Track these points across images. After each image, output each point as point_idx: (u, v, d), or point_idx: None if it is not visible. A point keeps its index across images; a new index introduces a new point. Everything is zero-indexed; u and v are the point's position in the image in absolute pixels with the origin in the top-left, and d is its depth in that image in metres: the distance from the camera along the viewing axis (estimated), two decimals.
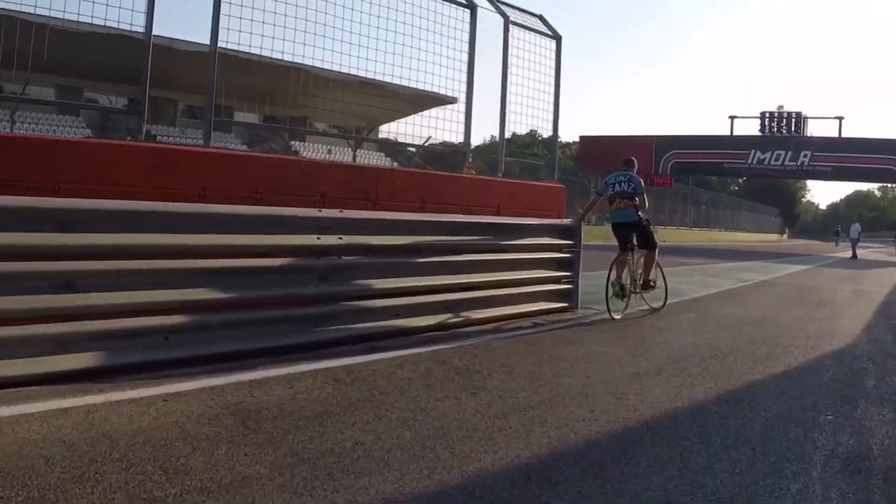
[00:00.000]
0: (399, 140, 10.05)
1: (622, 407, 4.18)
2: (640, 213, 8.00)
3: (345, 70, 7.37)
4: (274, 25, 6.59)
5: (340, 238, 5.63)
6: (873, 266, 24.30)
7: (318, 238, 5.53)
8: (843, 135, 42.36)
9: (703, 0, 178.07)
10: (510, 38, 8.52)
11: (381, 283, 5.94)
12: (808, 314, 9.27)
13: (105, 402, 3.74)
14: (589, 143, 48.20)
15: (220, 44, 6.28)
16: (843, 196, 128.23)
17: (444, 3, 7.83)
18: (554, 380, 4.79)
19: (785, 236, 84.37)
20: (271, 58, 6.94)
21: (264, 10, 6.51)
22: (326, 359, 4.96)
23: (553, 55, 9.24)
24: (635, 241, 8.09)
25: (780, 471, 3.22)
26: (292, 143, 29.84)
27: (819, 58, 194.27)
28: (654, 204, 23.30)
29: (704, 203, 56.87)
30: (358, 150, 23.17)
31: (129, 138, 9.45)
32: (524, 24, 8.75)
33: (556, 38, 9.25)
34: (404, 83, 7.91)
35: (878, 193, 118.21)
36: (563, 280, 8.07)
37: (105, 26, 5.78)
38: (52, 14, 5.75)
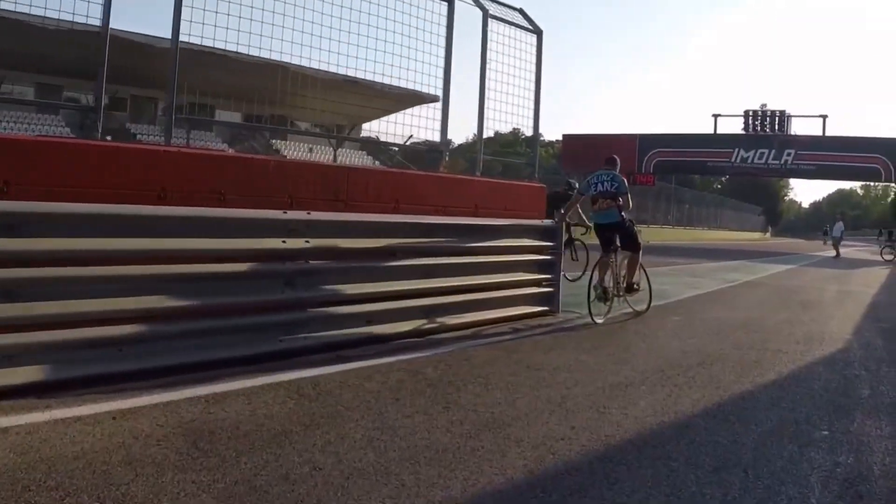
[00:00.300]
0: (381, 139, 9.80)
1: (604, 422, 3.94)
2: (623, 213, 7.79)
3: (324, 67, 7.13)
4: (251, 20, 6.36)
5: (308, 241, 5.38)
6: (859, 265, 24.33)
7: (284, 241, 5.27)
8: (828, 133, 42.47)
9: (702, 0, 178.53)
10: (489, 33, 8.28)
11: (352, 288, 5.70)
12: (796, 316, 9.12)
13: (49, 420, 3.52)
14: (572, 141, 47.91)
15: (199, 41, 6.08)
16: (825, 194, 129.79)
17: None
18: (532, 392, 4.54)
19: (768, 235, 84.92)
20: (249, 55, 6.74)
21: (241, 4, 6.25)
22: (292, 369, 4.71)
23: (534, 50, 9.01)
24: (618, 243, 7.89)
25: (775, 495, 2.99)
26: (273, 141, 29.46)
27: (807, 57, 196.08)
28: (637, 203, 23.18)
29: (688, 202, 56.98)
30: (339, 149, 22.88)
31: (108, 137, 9.18)
32: (504, 17, 8.51)
33: (537, 32, 9.01)
34: (386, 81, 7.70)
35: (860, 192, 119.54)
36: (544, 283, 7.85)
37: (86, 24, 5.52)
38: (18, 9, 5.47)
